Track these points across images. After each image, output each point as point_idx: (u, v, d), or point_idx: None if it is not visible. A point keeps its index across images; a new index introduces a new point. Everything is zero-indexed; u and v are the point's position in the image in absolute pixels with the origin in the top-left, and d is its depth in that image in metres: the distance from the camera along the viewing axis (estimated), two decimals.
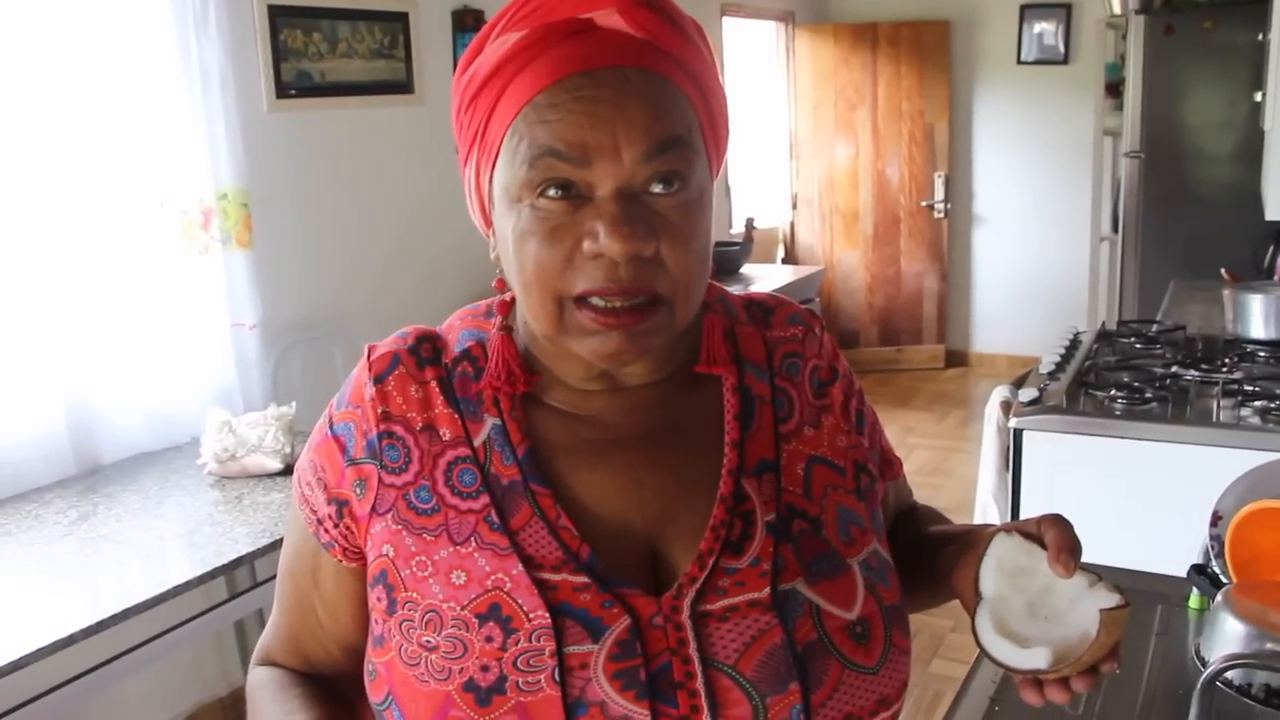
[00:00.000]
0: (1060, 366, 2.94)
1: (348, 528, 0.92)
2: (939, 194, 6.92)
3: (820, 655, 0.85)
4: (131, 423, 2.95)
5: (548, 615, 0.83)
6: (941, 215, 6.95)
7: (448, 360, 0.95)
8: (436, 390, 0.92)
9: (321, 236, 3.66)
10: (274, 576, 2.65)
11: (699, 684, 0.82)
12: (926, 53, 6.74)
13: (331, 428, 0.94)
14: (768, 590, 0.86)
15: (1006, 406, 2.75)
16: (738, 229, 6.05)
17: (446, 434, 0.91)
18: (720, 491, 0.90)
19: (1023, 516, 2.73)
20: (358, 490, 0.91)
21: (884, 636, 0.88)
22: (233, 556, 2.29)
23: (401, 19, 3.88)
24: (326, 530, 0.94)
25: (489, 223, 0.92)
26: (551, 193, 0.82)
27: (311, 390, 3.49)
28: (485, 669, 0.82)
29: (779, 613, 0.85)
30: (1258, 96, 3.98)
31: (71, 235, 2.82)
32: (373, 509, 0.91)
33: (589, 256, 0.82)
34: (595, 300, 0.83)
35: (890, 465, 1.08)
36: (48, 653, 1.95)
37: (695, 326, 0.95)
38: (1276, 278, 4.01)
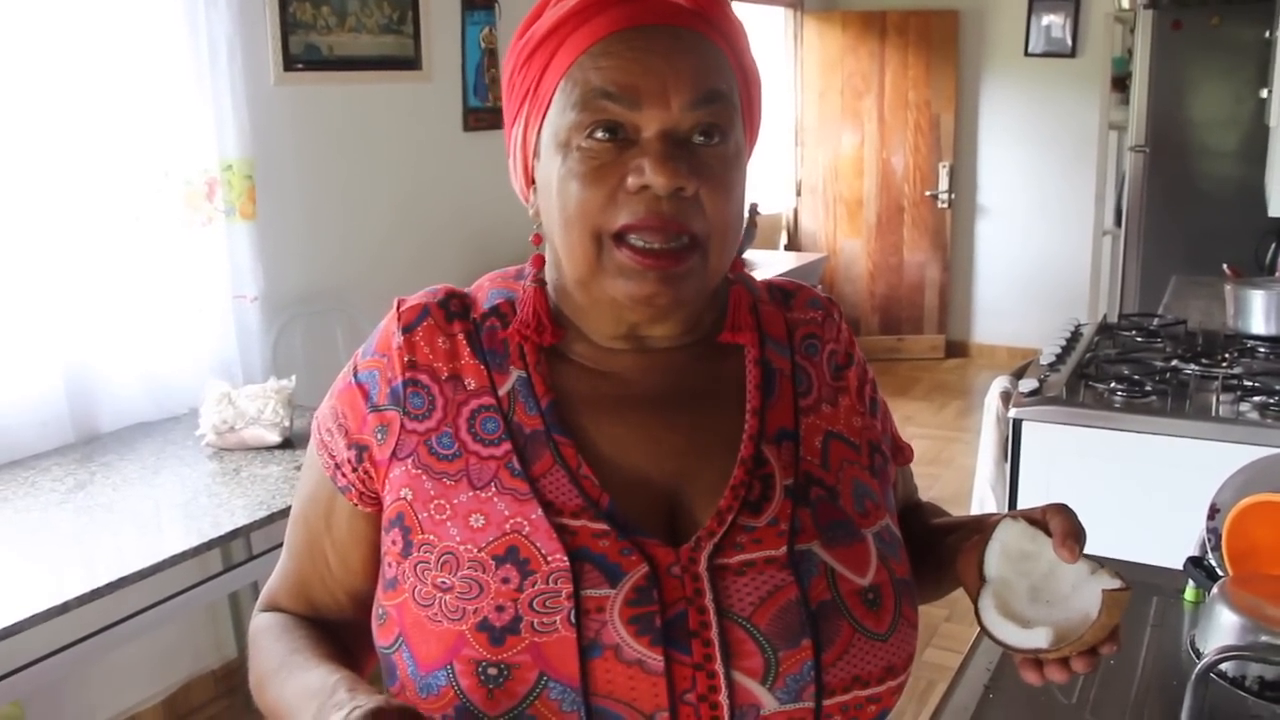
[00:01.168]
0: (1060, 358, 2.94)
1: (366, 472, 0.94)
2: (943, 184, 6.91)
3: (833, 616, 0.86)
4: (131, 392, 2.95)
5: (566, 559, 0.85)
6: (945, 205, 6.94)
7: (476, 315, 0.97)
8: (463, 342, 0.95)
9: (325, 210, 3.66)
10: (270, 550, 2.66)
11: (713, 634, 0.84)
12: (934, 42, 6.73)
13: (356, 375, 0.97)
14: (784, 549, 0.88)
15: (1006, 397, 2.75)
16: None
17: (471, 384, 0.93)
18: (741, 454, 0.92)
19: (1020, 507, 2.74)
20: (378, 435, 0.93)
21: (894, 606, 0.90)
22: (229, 528, 2.29)
23: None
24: (344, 475, 0.95)
25: (529, 181, 0.94)
26: (599, 135, 0.86)
27: (311, 364, 3.49)
28: (500, 609, 0.84)
29: (795, 571, 0.87)
30: (1263, 93, 3.98)
31: (75, 204, 2.81)
32: (393, 454, 0.92)
33: (632, 191, 0.85)
34: (634, 239, 0.86)
35: (901, 451, 1.09)
36: (42, 619, 1.95)
37: (721, 298, 0.99)
38: (1278, 274, 4.00)
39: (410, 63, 3.91)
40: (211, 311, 3.14)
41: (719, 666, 0.83)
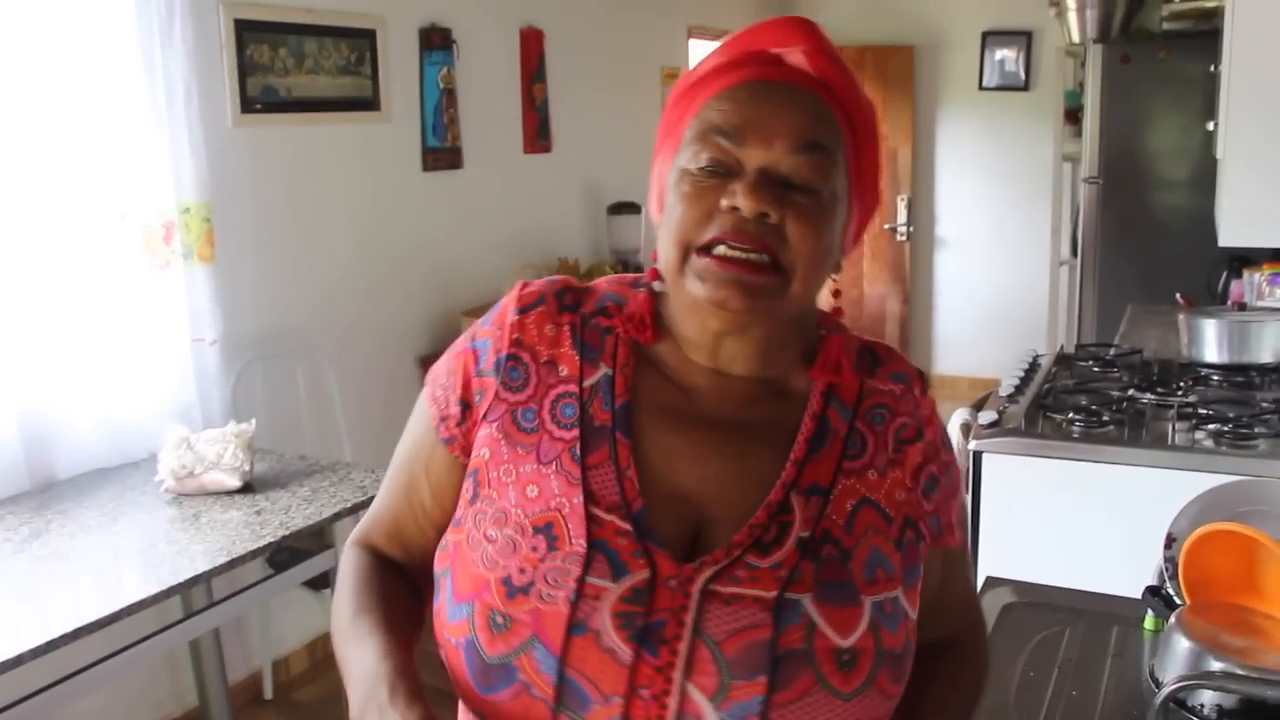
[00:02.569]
0: (1019, 389, 2.96)
1: (468, 428, 1.06)
2: (901, 217, 6.97)
3: (798, 664, 0.92)
4: (88, 438, 2.91)
5: (585, 545, 0.95)
6: (904, 238, 7.00)
7: (586, 310, 1.07)
8: (568, 333, 1.05)
9: (285, 252, 3.64)
10: (231, 595, 2.62)
11: (683, 645, 0.92)
12: (890, 77, 6.81)
13: (473, 342, 1.08)
14: (774, 593, 0.95)
15: (966, 429, 2.77)
16: None
17: (564, 371, 1.04)
18: (770, 498, 1.00)
19: (983, 538, 2.76)
20: (478, 396, 1.05)
21: (869, 672, 0.95)
22: (189, 575, 2.27)
23: (369, 36, 3.88)
24: (449, 427, 1.07)
25: (661, 208, 1.05)
26: (709, 167, 0.98)
27: (272, 406, 3.46)
28: (522, 571, 0.95)
29: (775, 615, 0.94)
30: (1210, 125, 4.05)
31: (30, 247, 2.80)
32: (485, 415, 1.04)
33: (724, 211, 0.96)
34: (717, 249, 0.96)
35: (948, 533, 1.10)
36: None
37: (808, 342, 1.08)
38: (1230, 302, 4.06)
39: (369, 104, 3.91)
40: (170, 355, 3.11)
41: (677, 675, 0.91)
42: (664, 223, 1.01)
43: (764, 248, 0.96)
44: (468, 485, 1.04)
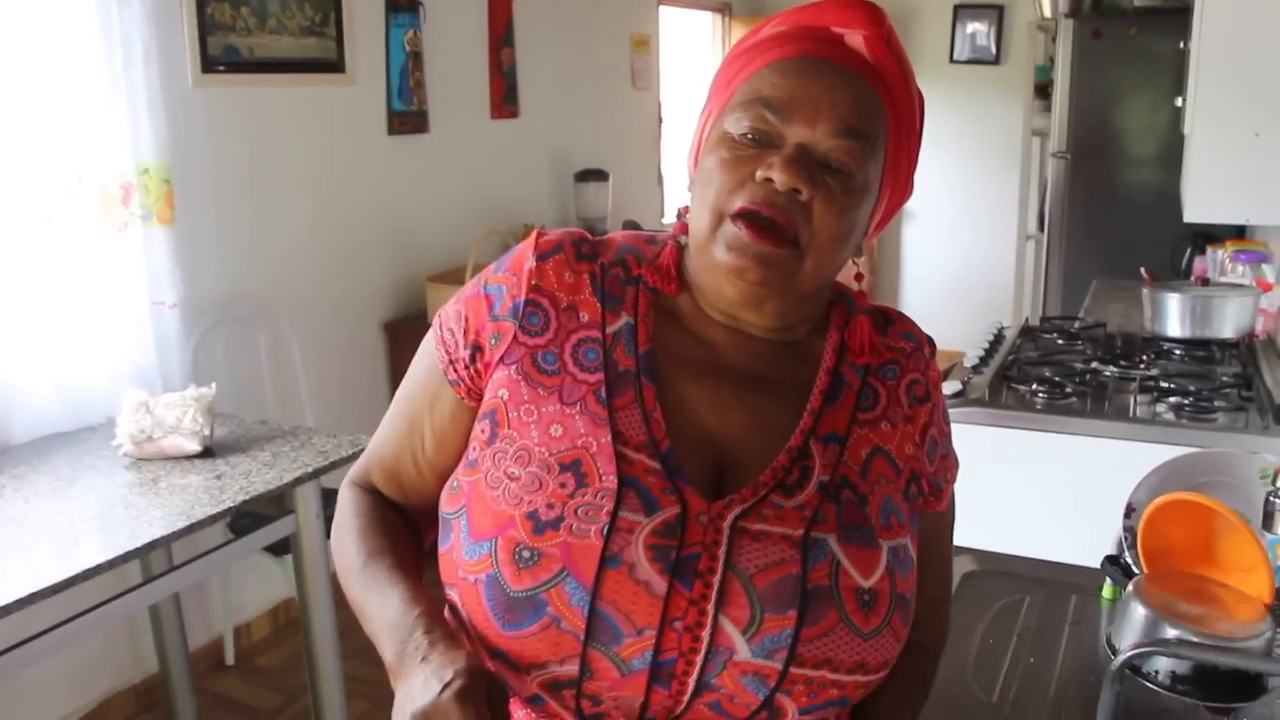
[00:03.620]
0: (984, 361, 2.97)
1: (477, 371, 1.07)
2: None
3: (825, 600, 0.96)
4: (44, 402, 2.87)
5: (617, 481, 0.97)
6: None
7: (605, 260, 1.09)
8: (587, 281, 1.07)
9: (247, 216, 3.59)
10: (191, 560, 2.60)
11: (716, 579, 0.95)
12: None
13: (485, 287, 1.09)
14: (801, 532, 0.98)
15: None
16: (669, 219, 6.06)
17: (585, 317, 1.06)
18: (790, 444, 1.03)
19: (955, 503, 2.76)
20: (493, 341, 1.06)
21: (886, 613, 0.99)
22: (146, 539, 2.23)
23: None
24: (456, 370, 1.08)
25: (696, 164, 1.06)
26: (750, 136, 1.00)
27: (233, 370, 3.43)
28: (550, 506, 0.96)
29: (803, 552, 0.97)
30: (1179, 102, 4.06)
31: None
32: (501, 359, 1.05)
33: (758, 180, 0.98)
34: (749, 216, 0.98)
35: (935, 496, 1.13)
36: None
37: (821, 309, 1.11)
38: (1193, 278, 4.09)
39: (333, 65, 3.86)
40: (129, 318, 3.07)
41: (711, 606, 0.94)
42: (698, 185, 1.03)
43: (788, 221, 0.98)
44: (483, 426, 1.04)
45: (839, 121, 0.99)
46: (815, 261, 1.00)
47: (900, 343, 1.13)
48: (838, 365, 1.09)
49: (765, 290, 1.01)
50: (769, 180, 0.97)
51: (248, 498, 2.45)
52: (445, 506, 1.05)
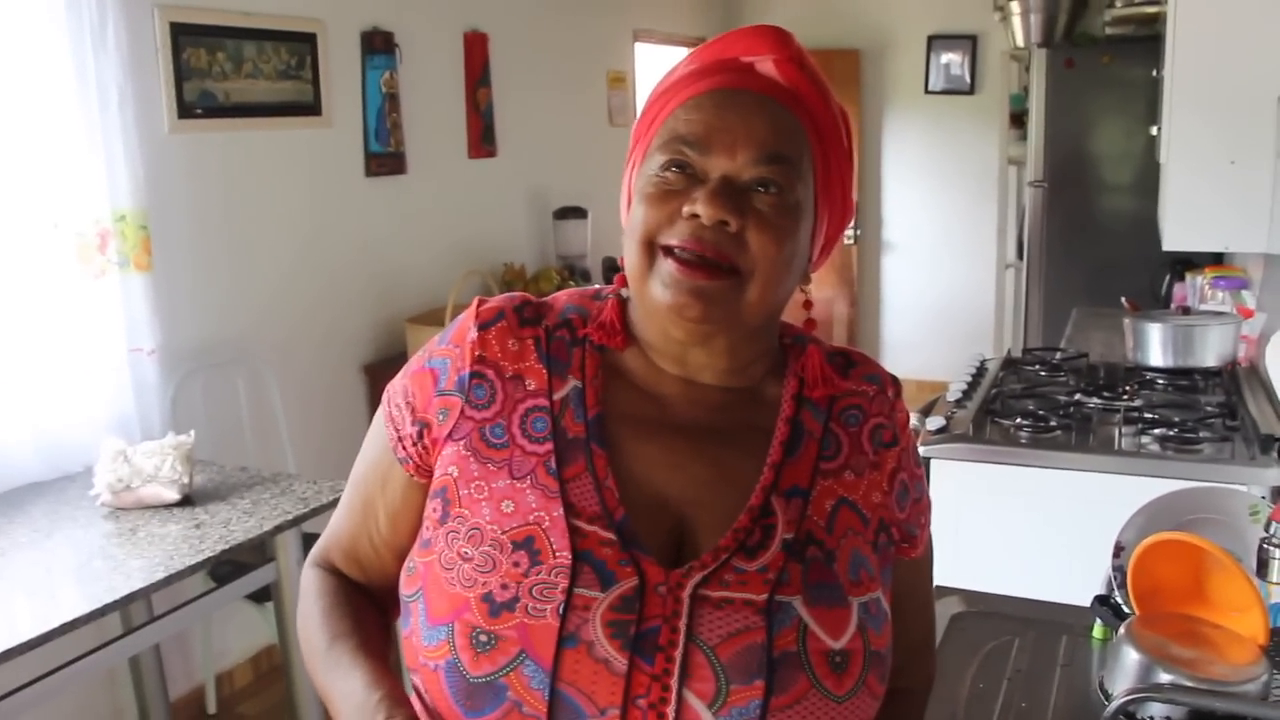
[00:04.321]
0: (967, 394, 2.97)
1: (424, 448, 1.04)
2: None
3: (793, 667, 0.93)
4: (21, 452, 2.83)
5: (571, 557, 0.94)
6: (851, 242, 7.02)
7: (549, 323, 1.06)
8: (531, 347, 1.05)
9: (225, 260, 3.57)
10: (171, 610, 2.57)
11: (678, 652, 0.92)
12: (836, 81, 6.73)
13: (429, 361, 1.07)
14: (765, 596, 0.95)
15: (914, 434, 2.77)
16: None
17: (531, 385, 1.03)
18: (750, 502, 1.00)
19: (932, 546, 2.75)
20: (440, 416, 1.03)
21: (859, 673, 0.96)
22: (125, 591, 2.20)
23: (309, 40, 3.82)
24: (405, 448, 1.06)
25: (629, 213, 1.04)
26: (672, 170, 0.99)
27: (213, 417, 3.40)
28: (504, 587, 0.94)
29: (768, 618, 0.94)
30: (1154, 130, 4.09)
31: None
32: (449, 434, 1.03)
33: (685, 218, 0.97)
34: (680, 252, 0.97)
35: (912, 544, 1.11)
36: None
37: (775, 351, 1.09)
38: (1173, 305, 4.11)
39: (310, 108, 3.85)
40: (106, 366, 3.04)
41: (674, 682, 0.91)
42: (628, 225, 1.02)
43: (721, 256, 0.96)
44: (435, 505, 1.02)
45: (758, 148, 0.97)
46: (759, 288, 0.98)
47: (863, 386, 1.10)
48: (797, 414, 1.06)
49: (710, 325, 0.98)
50: (695, 215, 0.96)
51: (227, 547, 2.42)
52: (403, 588, 1.03)
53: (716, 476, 1.01)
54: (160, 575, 2.28)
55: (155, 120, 3.27)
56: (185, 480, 2.64)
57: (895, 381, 1.13)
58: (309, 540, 2.20)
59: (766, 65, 1.01)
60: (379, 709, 0.94)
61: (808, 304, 1.10)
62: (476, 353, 1.04)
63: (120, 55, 2.98)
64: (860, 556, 1.02)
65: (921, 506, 1.13)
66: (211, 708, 3.53)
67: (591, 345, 1.05)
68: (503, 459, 1.00)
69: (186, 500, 2.65)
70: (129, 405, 3.09)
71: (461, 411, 1.02)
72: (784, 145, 0.99)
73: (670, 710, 0.91)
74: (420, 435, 1.04)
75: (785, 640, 0.93)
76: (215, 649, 3.53)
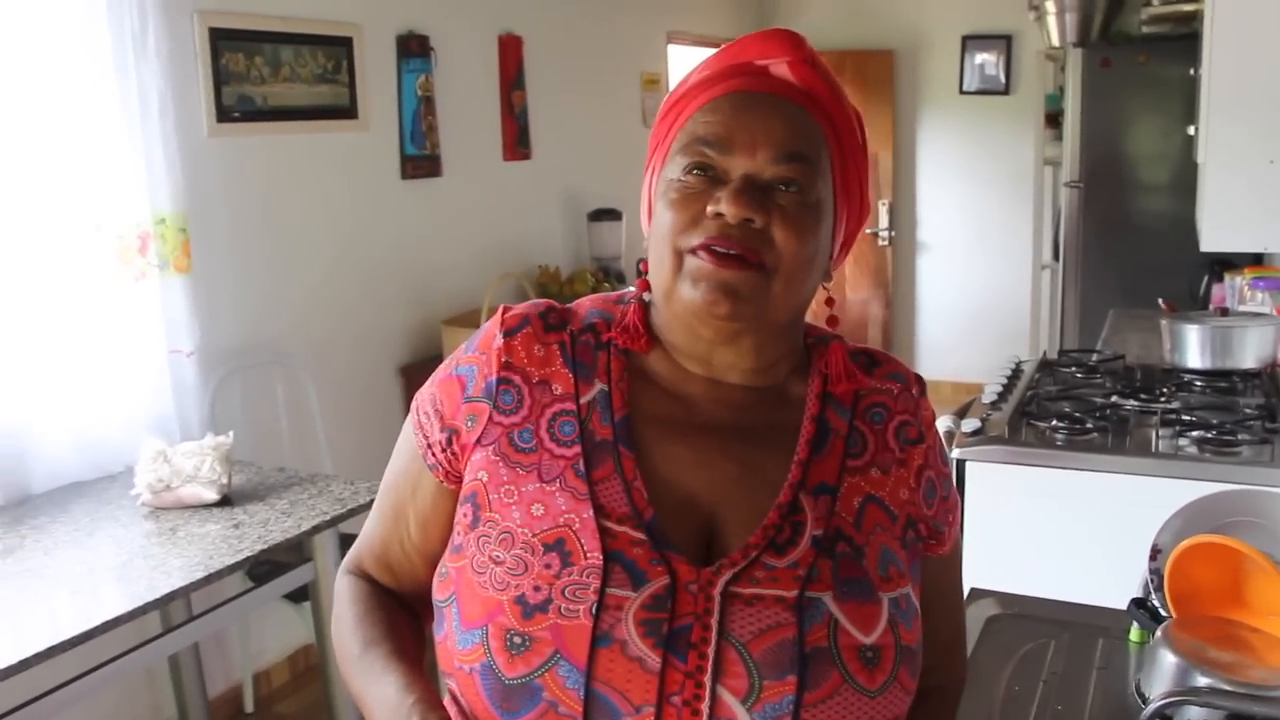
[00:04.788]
0: (1002, 396, 2.95)
1: (454, 454, 1.06)
2: (883, 221, 6.98)
3: (825, 662, 0.94)
4: (63, 452, 2.87)
5: (602, 558, 0.95)
6: (886, 243, 7.00)
7: (574, 328, 1.08)
8: (557, 352, 1.06)
9: (262, 262, 3.61)
10: (210, 609, 2.60)
11: (710, 649, 0.93)
12: (871, 82, 6.81)
13: (456, 369, 1.08)
14: (796, 593, 0.96)
15: (949, 436, 2.76)
16: None
17: (558, 389, 1.04)
18: (779, 499, 1.01)
19: (966, 548, 2.74)
20: (468, 423, 1.05)
21: (891, 669, 0.96)
22: (165, 590, 2.23)
23: (346, 44, 3.85)
24: (434, 454, 1.07)
25: (650, 218, 1.06)
26: (694, 173, 1.00)
27: (251, 418, 3.43)
28: (537, 589, 0.95)
29: (799, 614, 0.95)
30: (1190, 130, 4.05)
31: (2, 259, 2.76)
32: (478, 440, 1.04)
33: (710, 217, 0.98)
34: (706, 249, 0.97)
35: (936, 540, 1.11)
36: None
37: (799, 351, 1.11)
38: (1211, 306, 4.07)
39: (346, 112, 3.89)
40: (146, 367, 3.08)
41: (707, 679, 0.92)
42: (653, 231, 1.03)
43: (748, 251, 0.97)
44: (465, 510, 1.03)
45: (778, 148, 0.99)
46: (784, 283, 0.99)
47: (887, 384, 1.11)
48: (822, 412, 1.07)
49: (739, 323, 1.00)
50: (720, 215, 0.97)
51: (265, 546, 2.44)
52: (436, 594, 1.04)
53: (744, 475, 1.02)
54: (199, 575, 2.30)
55: (195, 124, 3.31)
56: (224, 480, 2.67)
57: (919, 380, 1.14)
58: (346, 541, 2.23)
59: (781, 68, 1.03)
60: (413, 712, 0.96)
61: (829, 301, 1.11)
62: (503, 359, 1.05)
63: (161, 60, 3.03)
64: (889, 552, 1.03)
65: (949, 504, 1.13)
66: (249, 706, 3.56)
67: (616, 349, 1.07)
68: (531, 463, 1.02)
69: (225, 500, 2.68)
70: (168, 406, 3.13)
71: (490, 418, 1.04)
72: (803, 144, 1.00)
73: (704, 707, 0.91)
74: (449, 442, 1.06)
75: (816, 636, 0.94)
76: (253, 648, 3.56)
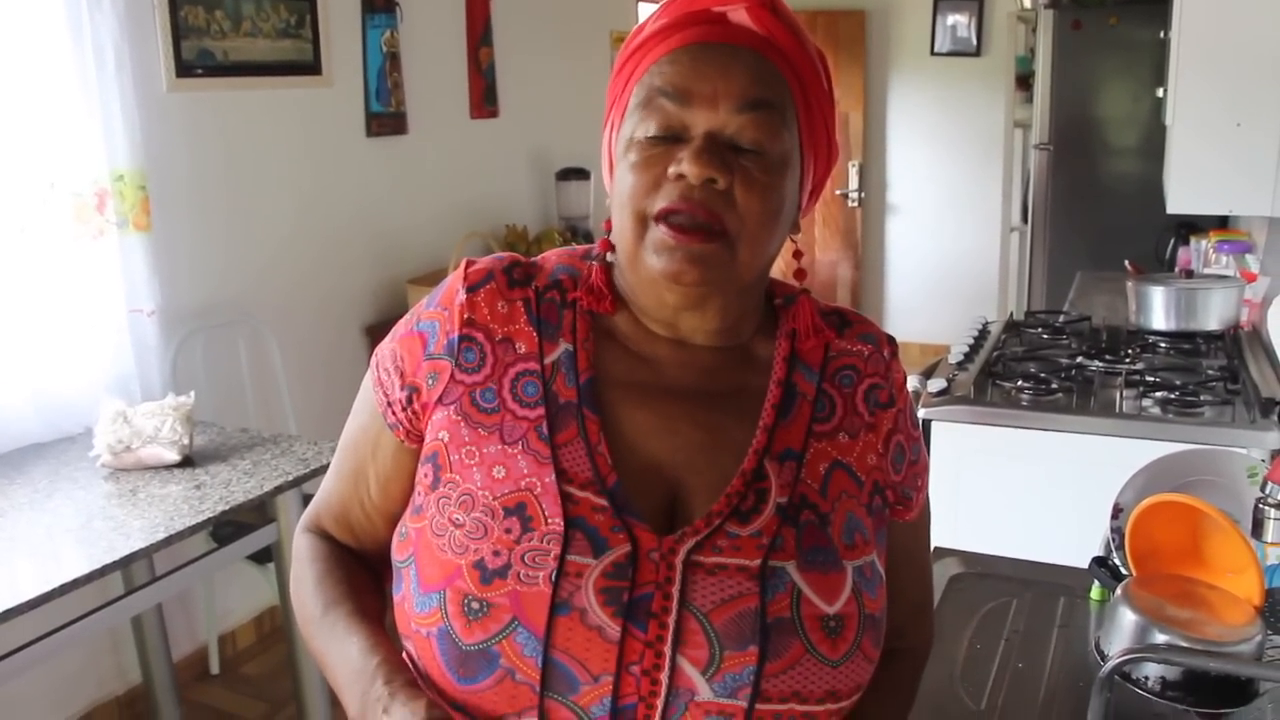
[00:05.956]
0: (969, 357, 2.96)
1: (414, 412, 1.03)
2: (853, 183, 6.97)
3: (787, 633, 0.92)
4: (20, 413, 2.83)
5: (562, 524, 0.93)
6: (855, 204, 7.00)
7: (539, 284, 1.05)
8: (521, 309, 1.03)
9: (225, 221, 3.56)
10: (172, 570, 2.58)
11: (671, 619, 0.91)
12: (842, 42, 6.78)
13: (418, 324, 1.05)
14: (758, 562, 0.94)
15: (915, 396, 2.76)
16: None
17: (522, 348, 1.02)
18: (743, 466, 0.99)
19: (932, 507, 2.76)
20: (429, 381, 1.02)
21: (854, 638, 0.95)
22: (126, 552, 2.21)
23: None
24: (394, 413, 1.05)
25: (614, 176, 1.02)
26: (654, 134, 0.97)
27: (214, 378, 3.40)
28: (496, 554, 0.93)
29: (761, 583, 0.93)
30: (1160, 92, 4.05)
31: None
32: (439, 399, 1.01)
33: (672, 179, 0.95)
34: (671, 217, 0.95)
35: (903, 506, 1.10)
36: None
37: (763, 307, 1.08)
38: (1177, 269, 4.09)
39: (309, 68, 3.82)
40: (106, 327, 3.03)
41: (667, 648, 0.91)
42: (615, 194, 1.00)
43: (711, 216, 0.94)
44: (425, 470, 1.01)
45: (740, 98, 0.96)
46: (749, 247, 0.97)
47: (858, 345, 1.08)
48: (789, 375, 1.05)
49: (706, 289, 0.98)
50: (682, 176, 0.94)
51: (228, 508, 2.42)
52: (395, 554, 1.02)
53: (709, 441, 1.00)
54: (161, 536, 2.28)
55: (153, 79, 3.24)
56: (185, 441, 2.64)
57: (891, 341, 1.12)
58: (309, 501, 2.21)
59: (739, 14, 0.99)
60: (377, 673, 0.95)
61: (797, 254, 1.09)
62: (465, 315, 1.02)
63: (116, 14, 2.95)
64: (855, 520, 1.01)
65: (918, 469, 1.11)
66: (215, 668, 3.55)
67: (582, 308, 1.04)
68: (494, 424, 0.99)
69: (187, 461, 2.65)
70: (129, 366, 3.08)
71: (451, 375, 1.01)
72: (765, 92, 0.97)
73: (664, 677, 0.90)
74: (410, 400, 1.03)
75: (779, 606, 0.93)
76: (218, 610, 3.54)
